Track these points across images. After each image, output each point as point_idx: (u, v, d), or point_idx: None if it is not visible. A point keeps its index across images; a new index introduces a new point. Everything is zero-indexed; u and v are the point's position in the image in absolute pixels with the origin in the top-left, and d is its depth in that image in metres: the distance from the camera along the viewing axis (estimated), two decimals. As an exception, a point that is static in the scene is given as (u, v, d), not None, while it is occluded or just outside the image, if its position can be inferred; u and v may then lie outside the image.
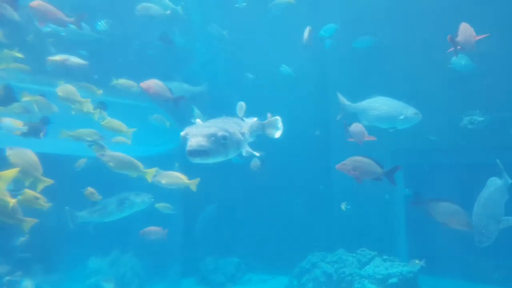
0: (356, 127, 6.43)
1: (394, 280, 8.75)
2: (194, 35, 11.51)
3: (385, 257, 9.78)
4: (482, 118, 8.92)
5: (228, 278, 11.55)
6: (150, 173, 5.38)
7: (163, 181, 5.50)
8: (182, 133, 3.05)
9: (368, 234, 11.54)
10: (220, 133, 3.01)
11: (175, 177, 5.64)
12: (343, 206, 9.32)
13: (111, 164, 5.02)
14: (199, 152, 2.92)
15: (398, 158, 12.15)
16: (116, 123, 6.07)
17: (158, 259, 8.89)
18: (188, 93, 8.77)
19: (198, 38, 11.72)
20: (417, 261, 8.35)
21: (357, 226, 11.80)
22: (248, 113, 3.71)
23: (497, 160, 5.10)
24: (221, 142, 3.02)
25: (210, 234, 12.55)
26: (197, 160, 2.95)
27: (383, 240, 11.33)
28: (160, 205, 7.27)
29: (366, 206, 11.60)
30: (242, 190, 12.70)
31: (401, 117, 5.93)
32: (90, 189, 5.62)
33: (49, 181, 4.93)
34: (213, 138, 2.97)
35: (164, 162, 5.84)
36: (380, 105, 6.06)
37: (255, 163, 7.37)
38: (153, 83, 6.06)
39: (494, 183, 5.08)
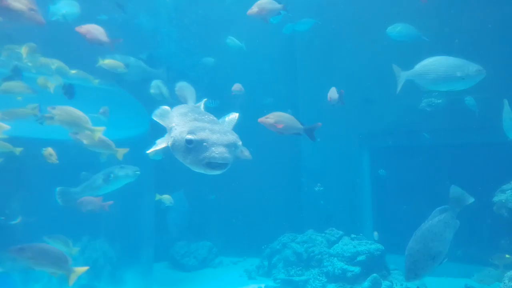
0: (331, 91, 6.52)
1: (362, 257, 9.06)
2: (161, 18, 11.23)
3: (353, 236, 10.11)
4: (440, 100, 9.26)
5: (200, 262, 11.62)
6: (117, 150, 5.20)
7: (85, 141, 5.06)
8: (192, 137, 2.70)
9: (336, 215, 11.89)
10: (239, 143, 2.79)
11: (105, 143, 5.24)
12: (317, 187, 9.53)
13: (58, 118, 4.72)
14: (222, 165, 2.66)
15: (365, 140, 12.55)
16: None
17: (129, 244, 8.81)
18: (144, 72, 8.49)
19: (164, 21, 11.45)
20: (375, 233, 8.65)
21: (326, 207, 12.14)
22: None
23: (453, 186, 4.62)
24: (234, 151, 2.81)
25: (180, 220, 12.57)
26: (215, 172, 2.69)
27: (351, 220, 11.70)
28: (163, 197, 7.16)
29: (334, 188, 11.93)
30: (212, 175, 12.69)
31: (461, 75, 5.34)
32: (49, 150, 5.41)
33: (101, 129, 5.03)
34: (233, 148, 2.73)
35: (133, 146, 5.74)
36: (436, 66, 5.47)
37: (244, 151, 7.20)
38: (91, 27, 5.56)
39: (439, 214, 4.46)
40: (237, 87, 8.45)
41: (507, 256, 7.56)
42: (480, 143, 10.63)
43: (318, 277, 9.42)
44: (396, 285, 8.71)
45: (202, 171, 2.74)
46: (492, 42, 9.62)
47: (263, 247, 10.95)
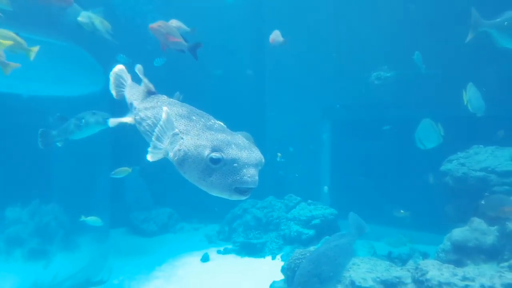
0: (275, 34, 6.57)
1: (316, 221, 9.43)
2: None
3: (309, 201, 10.45)
4: (388, 74, 9.52)
5: (160, 227, 11.66)
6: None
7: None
8: (219, 155, 2.22)
9: (296, 182, 12.22)
10: (263, 160, 2.37)
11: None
12: (278, 156, 9.68)
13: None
14: (250, 190, 2.25)
15: (327, 113, 12.80)
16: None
17: (84, 209, 8.66)
18: (78, 12, 8.03)
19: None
20: (325, 187, 8.87)
21: (287, 175, 12.42)
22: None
23: (351, 213, 4.51)
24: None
25: (139, 194, 12.49)
26: (241, 198, 2.26)
27: (310, 188, 12.03)
28: (120, 170, 6.89)
29: (296, 157, 12.19)
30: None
31: None
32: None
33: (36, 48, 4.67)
34: (260, 168, 2.31)
35: (88, 104, 5.57)
36: None
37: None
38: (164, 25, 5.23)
39: (338, 239, 4.34)
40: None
41: (401, 211, 8.27)
42: (434, 117, 11.11)
43: (275, 240, 9.74)
44: (348, 248, 9.16)
45: (225, 196, 2.26)
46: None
47: (215, 209, 11.08)
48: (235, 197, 2.23)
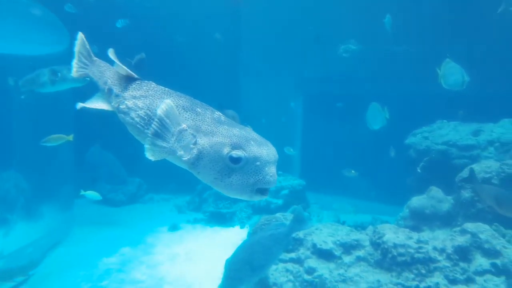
0: None
1: (285, 191, 9.63)
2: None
3: (279, 172, 10.58)
4: (355, 47, 9.63)
5: (128, 197, 11.58)
6: None
7: None
8: (240, 153, 2.01)
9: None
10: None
11: None
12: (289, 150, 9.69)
13: None
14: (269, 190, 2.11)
15: (303, 86, 12.86)
16: None
17: (47, 178, 8.46)
18: None
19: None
20: (291, 150, 8.92)
21: (260, 132, 12.48)
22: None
23: (295, 207, 4.40)
24: None
25: (112, 169, 12.28)
26: (261, 198, 2.08)
27: (280, 159, 12.16)
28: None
29: (268, 128, 12.25)
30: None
31: None
32: None
33: None
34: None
35: (53, 64, 5.35)
36: None
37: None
38: None
39: (274, 229, 4.29)
40: None
41: (352, 172, 8.58)
42: (403, 92, 11.39)
43: (245, 209, 9.88)
44: (314, 216, 9.42)
45: (245, 197, 2.06)
46: None
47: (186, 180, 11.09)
48: (256, 198, 2.04)
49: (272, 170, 2.01)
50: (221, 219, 9.92)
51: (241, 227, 9.46)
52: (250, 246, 3.99)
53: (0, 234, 7.37)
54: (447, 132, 8.22)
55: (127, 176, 12.28)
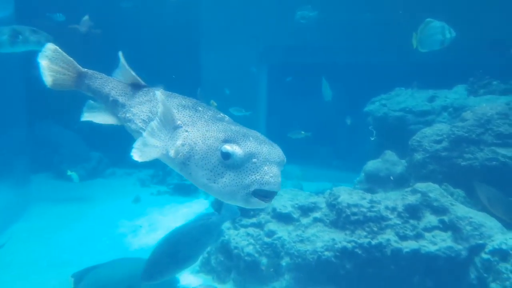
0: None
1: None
2: None
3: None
4: (312, 14, 9.61)
5: (89, 172, 11.29)
6: None
7: None
8: (233, 148, 1.77)
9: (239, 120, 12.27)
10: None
11: None
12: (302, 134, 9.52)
13: None
14: (272, 194, 1.78)
15: (267, 54, 12.74)
16: None
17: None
18: None
19: None
20: (214, 103, 8.66)
21: (223, 104, 12.44)
22: None
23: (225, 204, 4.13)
24: None
25: (74, 146, 11.86)
26: (259, 206, 1.80)
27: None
28: None
29: (232, 100, 12.14)
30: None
31: None
32: None
33: None
34: (282, 168, 1.88)
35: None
36: None
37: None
38: None
39: (206, 219, 4.07)
40: None
41: (302, 132, 8.72)
42: (361, 63, 11.56)
43: (208, 182, 9.89)
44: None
45: (240, 202, 1.80)
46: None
47: None
48: (252, 204, 1.76)
49: (273, 170, 1.75)
50: (185, 191, 9.89)
51: (205, 198, 9.49)
52: (176, 239, 3.74)
53: None
54: (404, 99, 8.45)
55: (89, 151, 11.94)
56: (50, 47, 2.33)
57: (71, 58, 2.40)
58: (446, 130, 5.57)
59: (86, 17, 5.57)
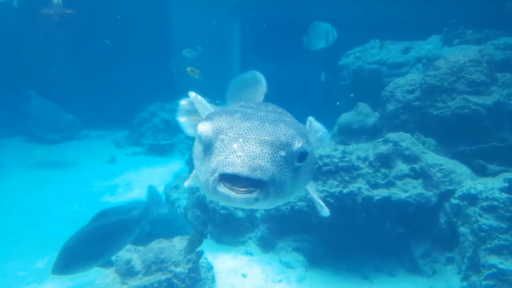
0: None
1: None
2: None
3: (218, 101, 10.44)
4: None
5: (61, 135, 11.01)
6: None
7: None
8: (204, 126, 1.45)
9: (207, 83, 12.03)
10: (302, 144, 1.45)
11: None
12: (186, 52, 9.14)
13: None
14: (251, 183, 1.34)
15: (236, 9, 12.32)
16: None
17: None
18: None
19: None
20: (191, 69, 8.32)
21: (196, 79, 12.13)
22: None
23: (150, 186, 3.82)
24: (293, 165, 1.45)
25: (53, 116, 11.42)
26: (234, 201, 1.35)
27: (218, 88, 11.96)
28: None
29: (204, 57, 11.82)
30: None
31: None
32: None
33: None
34: (286, 152, 1.42)
35: None
36: None
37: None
38: None
39: (126, 212, 3.69)
40: None
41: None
42: (336, 17, 11.30)
43: (185, 140, 9.79)
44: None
45: (211, 195, 1.42)
46: None
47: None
48: (220, 196, 1.35)
49: (247, 148, 1.36)
50: (160, 151, 9.79)
51: (181, 158, 9.42)
52: (89, 233, 3.43)
53: None
54: (379, 51, 8.37)
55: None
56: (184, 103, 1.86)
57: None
58: (419, 80, 5.56)
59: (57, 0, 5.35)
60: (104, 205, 6.79)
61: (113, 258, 4.26)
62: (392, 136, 4.79)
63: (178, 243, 4.35)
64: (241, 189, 1.33)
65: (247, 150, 1.36)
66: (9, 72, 11.01)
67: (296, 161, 1.44)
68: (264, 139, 1.39)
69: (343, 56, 8.71)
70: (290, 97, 11.08)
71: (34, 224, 6.06)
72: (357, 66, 8.17)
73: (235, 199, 1.33)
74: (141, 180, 7.88)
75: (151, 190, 3.79)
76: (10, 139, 10.30)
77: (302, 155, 1.45)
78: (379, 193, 4.37)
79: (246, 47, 12.49)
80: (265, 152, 1.37)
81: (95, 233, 3.45)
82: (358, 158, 4.53)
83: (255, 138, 1.38)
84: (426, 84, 5.39)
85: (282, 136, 1.42)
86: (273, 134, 1.41)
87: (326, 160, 4.42)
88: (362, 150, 4.64)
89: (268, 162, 1.36)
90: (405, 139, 4.77)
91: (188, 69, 8.96)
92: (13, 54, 11.21)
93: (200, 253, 4.36)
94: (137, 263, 4.15)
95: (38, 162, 9.11)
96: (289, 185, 1.44)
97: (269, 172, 1.35)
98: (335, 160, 4.41)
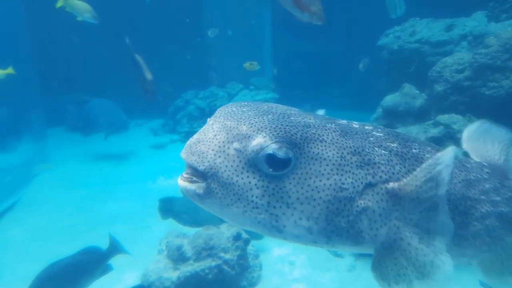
0: None
1: (259, 104, 9.55)
2: None
3: (251, 87, 10.41)
4: None
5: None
6: None
7: None
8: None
9: (239, 70, 12.02)
10: (263, 140, 1.16)
11: None
12: (210, 32, 9.10)
13: None
14: (201, 174, 1.20)
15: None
16: None
17: (15, 109, 8.10)
18: None
19: None
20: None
21: (227, 62, 12.13)
22: None
23: (110, 234, 3.66)
24: (261, 170, 1.17)
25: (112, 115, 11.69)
26: (181, 186, 1.24)
27: (251, 74, 11.90)
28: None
29: (236, 44, 11.74)
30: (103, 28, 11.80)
31: None
32: None
33: None
34: (239, 146, 1.18)
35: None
36: None
37: None
38: None
39: (90, 253, 3.52)
40: None
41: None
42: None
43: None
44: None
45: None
46: None
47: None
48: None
49: (204, 131, 1.25)
50: (197, 137, 9.90)
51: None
52: (49, 274, 3.25)
53: None
54: (420, 30, 8.03)
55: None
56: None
57: None
58: (468, 59, 5.30)
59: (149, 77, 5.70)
60: (148, 191, 6.95)
61: (164, 243, 4.35)
62: (443, 118, 4.62)
63: (226, 229, 4.39)
64: (185, 175, 1.22)
65: (203, 133, 1.24)
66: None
67: (264, 165, 1.13)
68: (226, 124, 1.21)
69: (382, 36, 8.42)
70: (326, 80, 10.92)
71: (83, 209, 6.26)
72: (398, 46, 7.88)
73: (179, 186, 1.22)
74: (178, 168, 7.99)
75: (111, 237, 3.60)
76: (54, 129, 10.67)
77: (272, 159, 1.12)
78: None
79: (279, 35, 12.31)
80: (216, 139, 1.19)
81: (55, 274, 3.29)
82: (408, 142, 4.38)
83: (220, 122, 1.23)
84: (477, 63, 5.13)
85: (244, 125, 1.18)
86: (238, 121, 1.20)
87: (376, 145, 4.30)
88: (412, 134, 4.48)
89: (212, 150, 1.17)
90: (456, 121, 4.58)
91: (246, 64, 8.92)
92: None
93: (248, 240, 4.38)
94: (187, 249, 4.22)
95: (83, 147, 9.42)
96: (249, 195, 1.13)
97: (207, 161, 1.17)
98: (385, 144, 4.29)
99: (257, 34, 12.25)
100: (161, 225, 5.20)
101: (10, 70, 5.44)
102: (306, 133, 1.17)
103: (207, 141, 1.20)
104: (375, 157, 1.21)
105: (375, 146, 1.24)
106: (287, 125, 1.17)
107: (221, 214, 1.19)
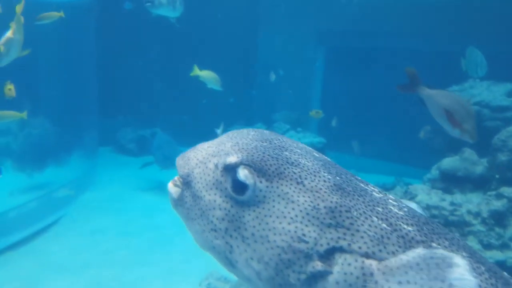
0: None
1: (305, 148, 9.48)
2: None
3: (299, 129, 10.40)
4: None
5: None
6: None
7: None
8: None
9: (285, 107, 12.11)
10: (232, 159, 1.14)
11: None
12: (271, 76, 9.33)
13: None
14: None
15: (321, 38, 12.33)
16: None
17: (72, 126, 8.50)
18: None
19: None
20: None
21: (275, 101, 12.29)
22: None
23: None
24: (225, 190, 1.16)
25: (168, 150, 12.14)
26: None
27: (299, 116, 11.93)
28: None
29: (287, 84, 11.90)
30: (161, 64, 12.32)
31: None
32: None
33: None
34: (216, 162, 1.17)
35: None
36: None
37: None
38: None
39: None
40: None
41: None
42: (432, 49, 10.84)
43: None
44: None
45: None
46: None
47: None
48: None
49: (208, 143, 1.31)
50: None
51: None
52: None
53: (32, 177, 7.43)
54: (480, 92, 7.82)
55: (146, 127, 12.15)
56: None
57: None
58: (536, 130, 5.05)
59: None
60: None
61: (205, 285, 4.26)
62: (507, 191, 4.36)
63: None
64: (175, 178, 1.24)
65: (205, 143, 1.25)
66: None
67: (229, 184, 1.10)
68: (222, 139, 1.22)
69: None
70: (374, 129, 10.70)
71: (125, 233, 6.30)
72: (455, 107, 7.66)
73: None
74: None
75: None
76: (103, 148, 11.06)
77: (236, 183, 1.08)
78: (493, 255, 3.95)
79: (330, 78, 12.39)
80: (206, 151, 1.20)
81: None
82: (469, 212, 4.16)
83: (223, 137, 1.24)
84: (546, 136, 4.88)
85: (230, 143, 1.17)
86: (232, 140, 1.19)
87: (434, 212, 4.10)
88: (473, 204, 4.26)
89: (197, 159, 1.18)
90: (522, 196, 4.31)
91: (312, 112, 9.12)
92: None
93: None
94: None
95: (126, 167, 9.65)
96: (210, 214, 1.11)
97: (187, 168, 1.18)
98: (445, 213, 4.08)
99: (308, 77, 12.40)
100: (200, 257, 5.12)
101: (24, 115, 5.56)
102: (285, 170, 1.09)
103: (199, 150, 1.22)
104: (362, 225, 1.01)
105: (375, 217, 1.03)
106: (269, 155, 1.11)
107: (187, 226, 1.18)
